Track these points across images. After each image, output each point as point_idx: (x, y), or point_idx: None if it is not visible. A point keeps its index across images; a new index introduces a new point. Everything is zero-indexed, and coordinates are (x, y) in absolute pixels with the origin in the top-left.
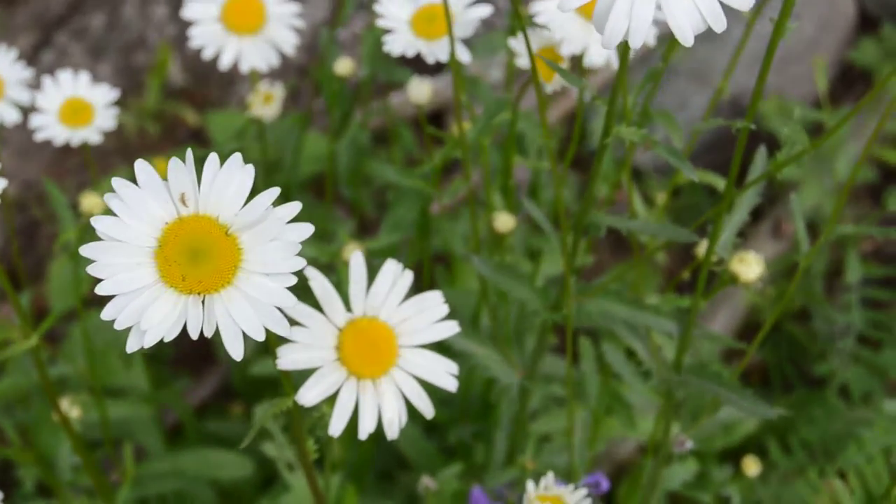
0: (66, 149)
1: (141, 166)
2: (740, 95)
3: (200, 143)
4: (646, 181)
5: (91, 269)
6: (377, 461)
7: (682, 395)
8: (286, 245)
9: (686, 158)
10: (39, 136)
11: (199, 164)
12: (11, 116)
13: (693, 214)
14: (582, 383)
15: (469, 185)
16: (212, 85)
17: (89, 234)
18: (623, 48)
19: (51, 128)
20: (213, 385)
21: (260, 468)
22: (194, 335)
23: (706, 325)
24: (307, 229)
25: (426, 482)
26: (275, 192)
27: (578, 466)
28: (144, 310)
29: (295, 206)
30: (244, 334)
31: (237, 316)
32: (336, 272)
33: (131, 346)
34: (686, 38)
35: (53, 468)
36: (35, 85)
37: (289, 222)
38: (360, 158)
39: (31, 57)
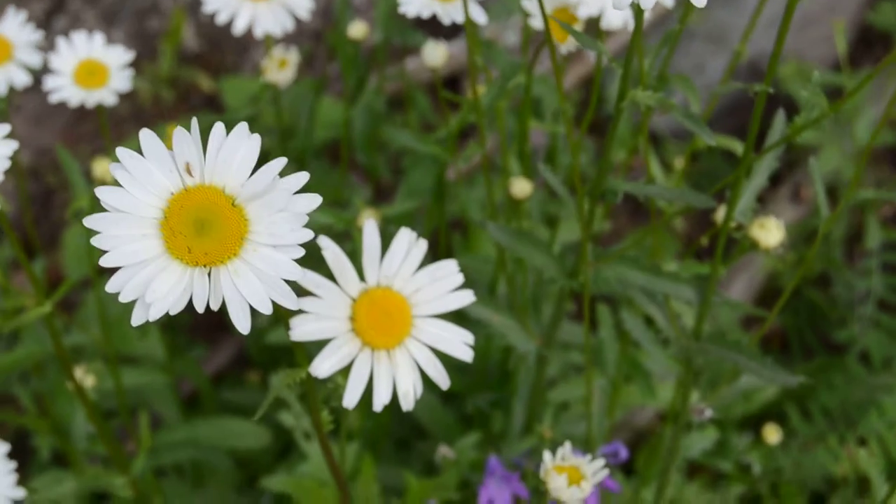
0: (80, 116)
1: (146, 136)
2: (759, 58)
3: (215, 108)
4: (663, 146)
5: (96, 241)
6: (394, 430)
7: (701, 363)
8: (294, 216)
9: (704, 123)
10: (54, 98)
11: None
12: (21, 79)
13: (712, 179)
14: (600, 351)
15: (485, 150)
16: (226, 50)
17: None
18: (637, 10)
19: (65, 89)
20: (230, 353)
21: (276, 436)
22: (200, 308)
23: (725, 291)
24: (315, 200)
25: (444, 451)
26: (282, 161)
27: (597, 436)
28: (150, 282)
29: (302, 176)
30: (251, 307)
31: (244, 288)
32: (352, 240)
33: (136, 319)
34: None
35: (69, 437)
36: (46, 48)
37: (297, 192)
38: (376, 124)
39: (43, 22)
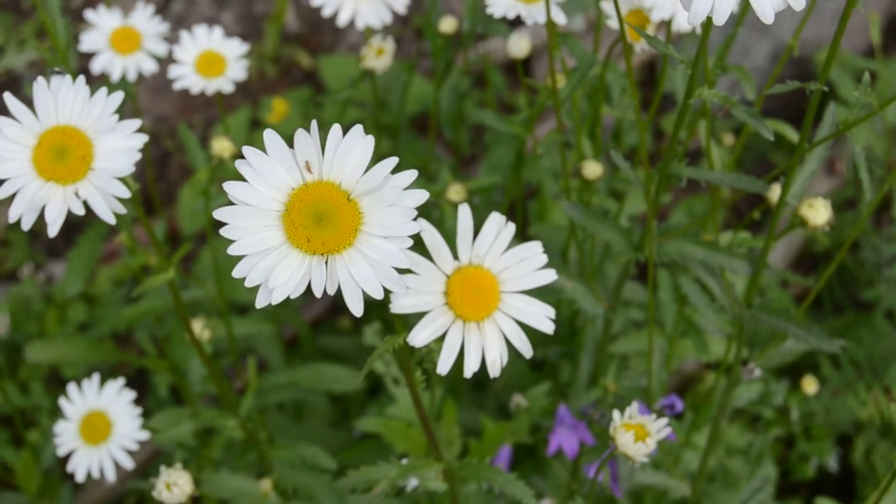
0: None
1: (269, 136)
2: (799, 45)
3: (313, 84)
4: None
5: (224, 232)
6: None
7: (752, 328)
8: (403, 210)
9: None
10: (177, 86)
11: (310, 103)
12: (149, 66)
13: (754, 153)
14: (659, 310)
15: (562, 134)
16: (324, 32)
17: (218, 175)
18: (706, 21)
19: (188, 78)
20: (326, 303)
21: (367, 376)
22: (318, 293)
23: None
24: (422, 196)
25: (517, 400)
26: (393, 160)
27: (656, 390)
28: (272, 269)
29: (411, 174)
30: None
31: (357, 275)
32: (440, 208)
33: (260, 301)
34: (767, 16)
35: (185, 377)
36: (171, 38)
37: (406, 188)
38: (461, 102)
39: (163, 6)
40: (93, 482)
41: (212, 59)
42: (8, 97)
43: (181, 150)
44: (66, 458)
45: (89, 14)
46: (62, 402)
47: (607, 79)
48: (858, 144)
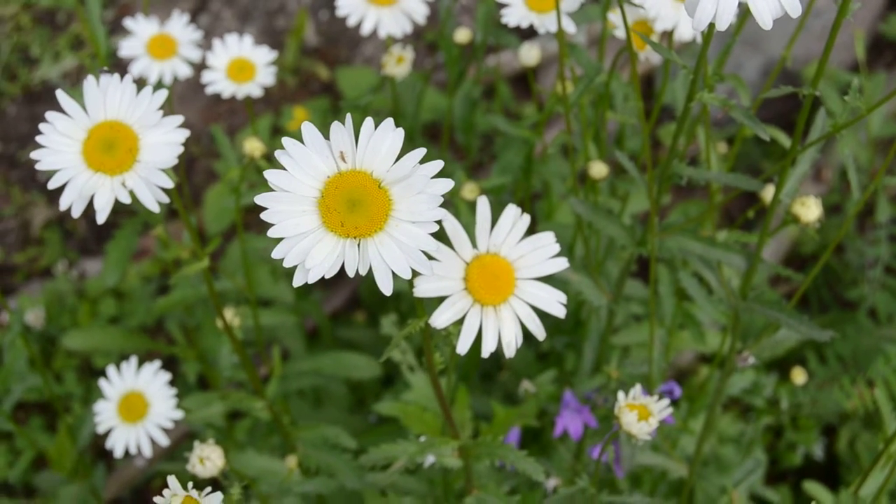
0: (217, 97)
1: (307, 128)
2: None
3: (331, 94)
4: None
5: (265, 216)
6: (480, 364)
7: (746, 319)
8: (430, 198)
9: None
10: (209, 90)
11: (328, 112)
12: (184, 71)
13: (744, 160)
14: (659, 303)
15: (570, 137)
16: (341, 46)
17: (248, 173)
18: (708, 28)
19: (219, 83)
20: (344, 297)
21: (381, 367)
22: (351, 273)
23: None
24: (448, 184)
25: (526, 385)
26: (421, 151)
27: (656, 377)
28: (309, 251)
29: (437, 164)
30: (393, 273)
31: (387, 257)
32: (454, 206)
33: (297, 280)
34: (766, 22)
35: (214, 365)
36: (204, 45)
37: (433, 177)
38: (473, 109)
39: (190, 20)
40: (124, 463)
41: (242, 65)
42: (60, 94)
43: (206, 155)
44: (99, 441)
45: (128, 22)
46: (102, 383)
47: (611, 88)
48: (843, 152)
